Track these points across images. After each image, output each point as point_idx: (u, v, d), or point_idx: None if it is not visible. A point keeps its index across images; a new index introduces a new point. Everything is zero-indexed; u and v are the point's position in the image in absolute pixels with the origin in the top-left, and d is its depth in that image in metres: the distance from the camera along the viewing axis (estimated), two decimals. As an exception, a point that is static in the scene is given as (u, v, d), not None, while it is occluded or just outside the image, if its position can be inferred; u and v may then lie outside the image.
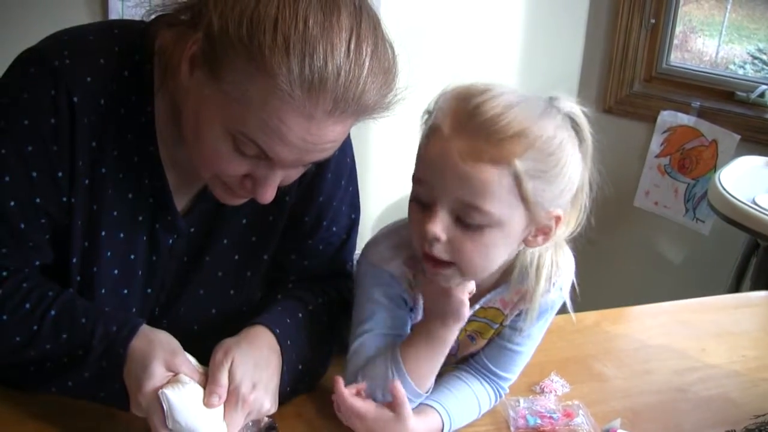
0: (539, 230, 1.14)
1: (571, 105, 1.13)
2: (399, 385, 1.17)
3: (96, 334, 1.14)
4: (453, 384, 1.29)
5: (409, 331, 1.25)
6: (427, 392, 1.22)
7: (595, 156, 1.15)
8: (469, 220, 1.08)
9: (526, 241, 1.16)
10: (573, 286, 1.27)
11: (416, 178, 1.13)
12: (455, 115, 1.08)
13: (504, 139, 1.04)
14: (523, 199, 1.08)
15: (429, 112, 1.13)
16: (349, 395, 1.17)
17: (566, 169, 1.10)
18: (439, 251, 1.11)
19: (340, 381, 1.18)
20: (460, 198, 1.07)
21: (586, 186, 1.15)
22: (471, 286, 1.17)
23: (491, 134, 1.05)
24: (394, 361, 1.20)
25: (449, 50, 2.98)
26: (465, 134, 1.06)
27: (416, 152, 1.14)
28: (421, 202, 1.12)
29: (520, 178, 1.06)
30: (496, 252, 1.13)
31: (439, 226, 1.09)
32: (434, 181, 1.09)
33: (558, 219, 1.14)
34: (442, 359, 1.21)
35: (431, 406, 1.23)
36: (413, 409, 1.20)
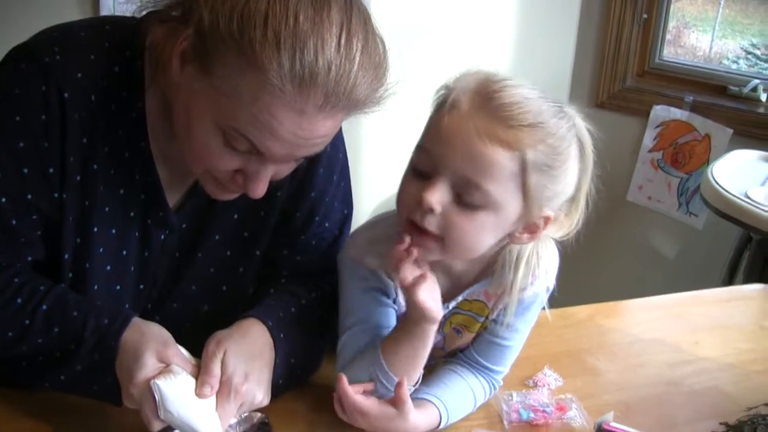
0: (527, 227, 1.15)
1: (578, 119, 1.15)
2: (404, 382, 1.18)
3: (88, 327, 1.14)
4: (449, 378, 1.29)
5: (393, 323, 1.25)
6: (412, 386, 1.22)
7: (593, 171, 1.17)
8: (467, 197, 1.09)
9: (511, 237, 1.17)
10: (554, 285, 1.27)
11: (422, 147, 1.14)
12: (476, 94, 1.10)
13: (520, 126, 1.07)
14: (524, 189, 1.10)
15: (446, 88, 1.14)
16: (353, 393, 1.17)
17: (568, 172, 1.12)
18: (430, 223, 1.11)
19: (344, 379, 1.18)
20: (463, 173, 1.08)
21: (582, 198, 1.17)
22: (437, 293, 1.18)
23: (509, 118, 1.07)
24: (375, 359, 1.20)
25: (441, 45, 2.98)
26: (484, 113, 1.08)
27: (427, 122, 1.15)
28: (421, 173, 1.12)
29: (527, 168, 1.08)
30: (484, 236, 1.14)
31: (437, 197, 1.09)
32: (442, 151, 1.10)
33: (547, 220, 1.15)
34: (423, 355, 1.20)
35: (429, 401, 1.24)
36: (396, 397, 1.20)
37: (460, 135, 1.08)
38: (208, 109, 1.06)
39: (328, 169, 1.32)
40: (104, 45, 1.16)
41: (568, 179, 1.13)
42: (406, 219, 1.14)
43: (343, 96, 1.03)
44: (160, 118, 1.18)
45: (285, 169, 1.16)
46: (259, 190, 1.14)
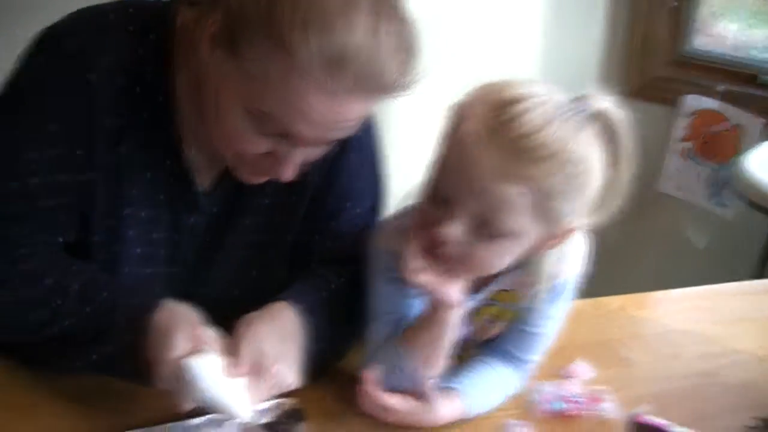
0: (552, 237, 1.13)
1: (607, 105, 1.08)
2: (428, 375, 1.18)
3: (118, 308, 1.14)
4: (477, 367, 1.28)
5: (417, 312, 1.23)
6: (435, 376, 1.21)
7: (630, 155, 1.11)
8: (485, 229, 1.07)
9: (536, 247, 1.15)
10: (584, 270, 1.25)
11: (436, 176, 1.11)
12: (486, 124, 1.05)
13: (536, 159, 1.02)
14: (543, 215, 1.07)
15: (456, 110, 1.10)
16: (378, 391, 1.17)
17: (590, 185, 1.08)
18: (449, 252, 1.09)
19: (369, 376, 1.18)
20: (479, 210, 1.06)
21: (617, 188, 1.11)
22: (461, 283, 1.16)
23: (523, 152, 1.02)
24: (395, 347, 1.20)
25: (469, 32, 2.96)
26: (495, 147, 1.03)
27: (439, 147, 1.11)
28: (437, 199, 1.10)
29: (545, 198, 1.04)
30: (505, 259, 1.13)
31: (453, 231, 1.07)
32: (455, 187, 1.07)
33: (572, 230, 1.13)
34: (443, 343, 1.19)
35: (456, 390, 1.23)
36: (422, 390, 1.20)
37: (471, 173, 1.04)
38: (238, 92, 1.05)
39: (359, 154, 1.32)
40: (131, 28, 1.16)
41: (591, 190, 1.08)
42: (425, 241, 1.12)
43: (373, 79, 1.02)
44: (190, 101, 1.17)
45: (315, 153, 1.15)
46: (289, 173, 1.13)
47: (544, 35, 3.13)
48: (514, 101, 1.04)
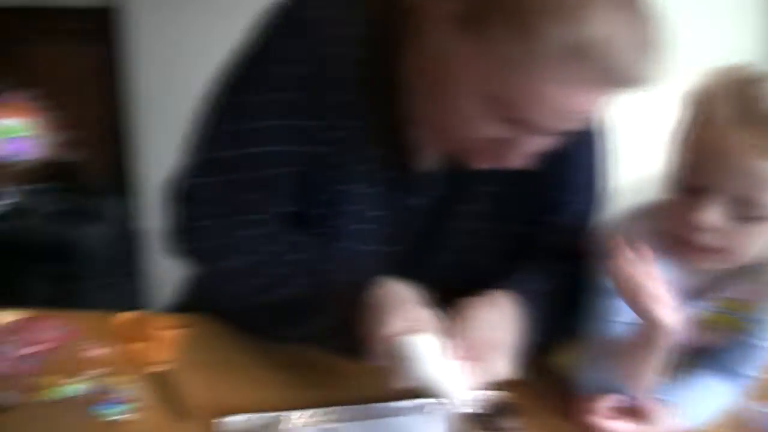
0: None
1: None
2: (650, 398, 1.17)
3: (337, 282, 1.15)
4: (693, 380, 1.22)
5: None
6: (641, 393, 1.18)
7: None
8: (744, 212, 1.06)
9: None
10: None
11: (685, 164, 1.10)
12: (736, 102, 1.05)
13: None
14: None
15: (696, 97, 1.09)
16: (607, 423, 1.17)
17: None
18: (707, 240, 1.08)
19: (597, 403, 1.17)
20: (739, 191, 1.05)
21: None
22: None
23: None
24: (607, 357, 1.18)
25: (677, 30, 2.86)
26: (748, 124, 1.03)
27: (684, 137, 1.10)
28: (687, 188, 1.09)
29: None
30: (761, 244, 1.11)
31: (714, 217, 1.06)
32: (711, 170, 1.06)
33: None
34: (652, 361, 1.15)
35: (667, 402, 1.18)
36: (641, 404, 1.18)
37: (729, 152, 1.04)
38: (473, 74, 1.04)
39: (588, 149, 1.29)
40: (364, 4, 1.17)
41: None
42: (676, 236, 1.11)
43: (612, 72, 0.99)
44: (418, 81, 1.16)
45: (545, 143, 1.12)
46: (517, 161, 1.12)
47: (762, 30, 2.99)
48: (758, 79, 1.06)
